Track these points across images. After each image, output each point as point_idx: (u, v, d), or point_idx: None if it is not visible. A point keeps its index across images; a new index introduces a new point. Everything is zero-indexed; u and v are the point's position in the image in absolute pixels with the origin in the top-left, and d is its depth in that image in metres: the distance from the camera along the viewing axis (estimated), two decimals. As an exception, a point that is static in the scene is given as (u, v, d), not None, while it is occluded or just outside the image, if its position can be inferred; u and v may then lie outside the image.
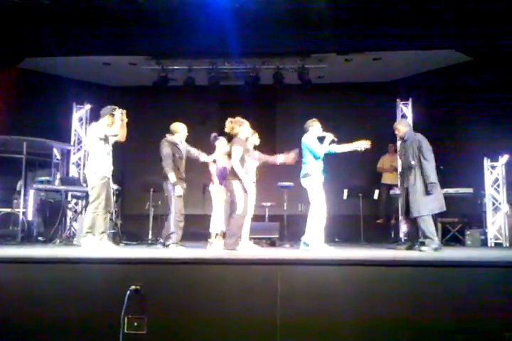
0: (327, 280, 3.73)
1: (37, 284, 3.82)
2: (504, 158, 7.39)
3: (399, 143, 8.73)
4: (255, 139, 6.32)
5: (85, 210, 6.31)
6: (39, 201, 7.88)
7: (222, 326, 3.64)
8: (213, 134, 6.46)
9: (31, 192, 7.91)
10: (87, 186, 6.18)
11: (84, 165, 5.79)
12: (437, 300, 3.60)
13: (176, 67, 8.91)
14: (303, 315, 3.63)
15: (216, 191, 6.24)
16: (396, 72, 9.39)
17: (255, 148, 6.37)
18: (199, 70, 8.93)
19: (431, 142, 5.92)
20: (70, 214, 8.15)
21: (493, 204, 7.46)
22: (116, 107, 5.84)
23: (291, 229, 7.91)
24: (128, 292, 3.61)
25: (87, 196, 6.47)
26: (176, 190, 5.92)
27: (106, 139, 5.74)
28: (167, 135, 6.18)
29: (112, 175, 5.89)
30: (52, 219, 7.43)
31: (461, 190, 7.60)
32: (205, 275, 3.82)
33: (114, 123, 5.72)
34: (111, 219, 7.14)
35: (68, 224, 7.94)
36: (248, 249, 5.80)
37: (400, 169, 8.57)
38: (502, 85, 7.86)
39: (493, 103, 8.02)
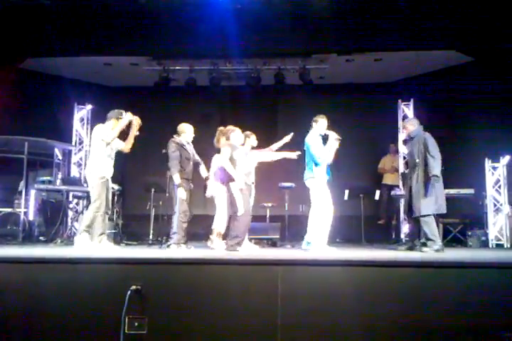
0: (328, 280, 3.73)
1: (38, 284, 3.82)
2: (505, 159, 7.39)
3: (400, 143, 8.79)
4: (253, 141, 6.31)
5: (86, 210, 6.31)
6: (40, 201, 7.89)
7: (223, 326, 3.64)
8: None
9: (32, 192, 7.92)
10: (88, 186, 6.19)
11: (85, 165, 5.81)
12: (438, 301, 3.60)
13: (177, 68, 8.92)
14: (304, 315, 3.63)
15: (217, 190, 6.24)
16: (397, 73, 9.39)
17: (252, 149, 6.37)
18: (200, 71, 8.93)
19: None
20: (71, 214, 8.15)
21: (495, 205, 7.46)
22: (123, 111, 5.83)
23: (292, 229, 7.92)
24: (129, 292, 3.61)
25: (88, 196, 6.47)
26: (178, 192, 5.92)
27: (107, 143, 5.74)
28: (174, 136, 6.18)
29: (113, 176, 5.90)
30: (54, 219, 7.43)
31: (462, 191, 7.60)
32: (206, 275, 3.82)
33: (115, 129, 5.71)
34: (112, 220, 7.16)
35: (69, 224, 7.94)
36: (248, 250, 5.80)
37: (401, 169, 8.60)
38: (503, 86, 7.86)
39: (494, 104, 8.02)
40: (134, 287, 3.64)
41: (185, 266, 3.91)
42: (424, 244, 5.57)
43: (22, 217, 7.35)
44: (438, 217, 5.94)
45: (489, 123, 7.90)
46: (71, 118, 9.07)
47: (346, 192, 8.21)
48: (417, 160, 5.70)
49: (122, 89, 10.08)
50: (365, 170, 9.57)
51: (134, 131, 5.91)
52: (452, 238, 7.66)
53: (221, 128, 5.99)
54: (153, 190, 7.96)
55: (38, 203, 7.93)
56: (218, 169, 6.21)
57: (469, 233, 7.45)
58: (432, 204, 5.56)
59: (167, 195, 6.48)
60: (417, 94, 8.86)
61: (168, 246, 5.90)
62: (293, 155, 6.24)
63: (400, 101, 8.89)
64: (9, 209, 7.63)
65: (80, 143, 9.09)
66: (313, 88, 9.05)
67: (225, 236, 5.99)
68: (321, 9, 6.85)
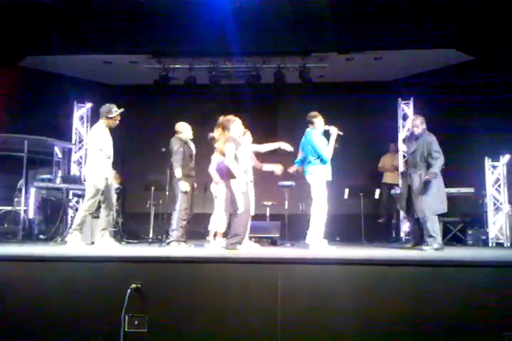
0: (328, 279, 3.73)
1: (38, 282, 3.82)
2: (505, 158, 7.39)
3: (400, 142, 8.79)
4: (248, 138, 6.27)
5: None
6: (40, 199, 7.88)
7: (223, 324, 3.64)
8: (211, 134, 6.42)
9: (32, 191, 7.91)
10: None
11: (85, 164, 5.81)
12: (437, 300, 3.60)
13: (176, 66, 8.90)
14: (304, 313, 3.63)
15: (217, 189, 6.23)
16: (397, 72, 9.38)
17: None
18: (200, 69, 8.92)
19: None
20: (71, 212, 8.15)
21: (494, 204, 7.46)
22: (112, 107, 5.76)
23: (292, 228, 7.92)
24: (129, 290, 3.62)
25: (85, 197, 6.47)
26: (180, 185, 5.92)
27: (103, 142, 5.71)
28: (176, 135, 6.21)
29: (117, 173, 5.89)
30: (54, 217, 7.43)
31: (462, 190, 7.60)
32: (206, 273, 3.82)
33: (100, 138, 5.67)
34: (112, 218, 7.16)
35: (69, 222, 7.93)
36: (248, 248, 5.80)
37: (401, 168, 8.59)
38: (504, 84, 7.86)
39: (494, 102, 8.01)
40: (134, 285, 3.65)
41: (186, 265, 3.91)
42: (425, 243, 5.59)
43: (22, 215, 7.34)
44: (438, 215, 5.95)
45: (489, 122, 7.89)
46: (71, 116, 9.07)
47: (346, 190, 8.21)
48: (419, 162, 5.73)
49: (122, 88, 10.07)
50: (365, 168, 9.57)
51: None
52: (452, 237, 7.66)
53: (221, 117, 5.82)
54: (153, 188, 7.97)
55: (37, 201, 7.92)
56: (218, 165, 6.19)
57: (469, 232, 7.46)
58: (436, 204, 5.60)
59: (167, 193, 6.48)
60: (416, 92, 8.86)
61: (168, 243, 5.91)
62: (288, 146, 6.08)
63: (399, 99, 8.89)
64: (9, 208, 7.63)
65: (80, 142, 9.09)
66: (312, 87, 9.04)
67: (225, 235, 5.99)
68: (321, 8, 6.84)
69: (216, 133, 5.62)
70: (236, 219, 5.20)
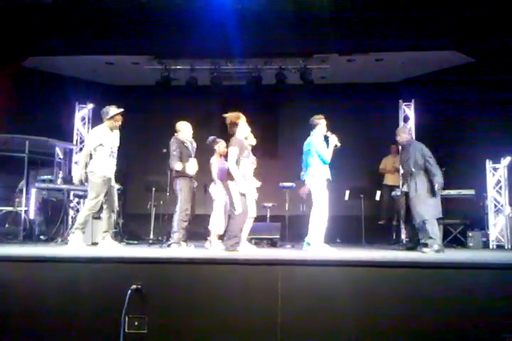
0: (328, 280, 3.73)
1: (38, 283, 3.82)
2: (506, 160, 7.39)
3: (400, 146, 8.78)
4: (251, 140, 6.26)
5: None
6: (41, 200, 7.88)
7: (223, 326, 3.64)
8: (211, 137, 6.45)
9: (33, 191, 7.92)
10: (85, 184, 6.19)
11: (86, 164, 5.82)
12: (437, 302, 3.60)
13: (178, 67, 8.91)
14: (304, 315, 3.63)
15: (216, 191, 6.24)
16: (399, 73, 9.38)
17: (253, 148, 6.34)
18: (201, 70, 8.93)
19: (433, 143, 5.94)
20: (71, 213, 8.15)
21: (495, 206, 7.46)
22: (111, 108, 5.76)
23: (292, 229, 7.92)
24: (129, 291, 3.62)
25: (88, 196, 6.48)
26: (175, 184, 5.90)
27: (106, 143, 5.73)
28: (175, 134, 6.22)
29: (114, 175, 5.90)
30: (54, 218, 7.44)
31: (463, 192, 7.60)
32: (206, 275, 3.82)
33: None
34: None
35: (70, 223, 7.94)
36: (246, 250, 5.80)
37: (402, 171, 8.59)
38: (505, 86, 7.86)
39: (495, 104, 8.02)
40: (134, 286, 3.65)
41: (186, 266, 3.91)
42: (425, 245, 5.60)
43: (23, 215, 7.35)
44: (438, 218, 5.98)
45: (490, 124, 7.89)
46: (72, 117, 9.08)
47: (347, 192, 8.21)
48: (413, 170, 5.83)
49: (123, 88, 10.08)
50: (365, 170, 9.56)
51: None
52: (453, 239, 7.66)
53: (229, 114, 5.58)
54: (153, 189, 7.97)
55: (38, 202, 7.93)
56: (220, 168, 6.21)
57: (470, 234, 7.44)
58: (431, 209, 5.71)
59: (168, 194, 6.48)
60: (418, 94, 8.86)
61: (169, 245, 5.91)
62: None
63: (400, 101, 8.89)
64: (10, 208, 7.64)
65: (81, 142, 9.09)
66: (314, 88, 9.04)
67: (221, 237, 5.99)
68: (322, 9, 6.83)
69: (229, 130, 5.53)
70: (232, 221, 5.18)
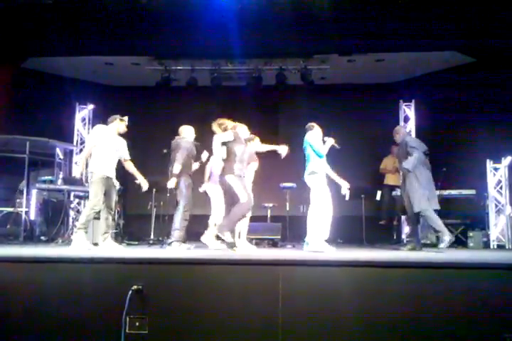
0: (329, 281, 3.73)
1: (39, 284, 3.82)
2: (507, 160, 7.39)
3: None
4: (257, 144, 6.22)
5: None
6: (42, 200, 7.89)
7: (223, 326, 3.64)
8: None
9: (34, 192, 7.93)
10: (87, 183, 6.21)
11: (86, 165, 5.83)
12: (438, 302, 3.59)
13: (178, 68, 8.92)
14: (305, 315, 3.62)
15: (211, 188, 6.25)
16: (399, 74, 9.38)
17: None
18: (202, 71, 8.94)
19: (433, 143, 5.95)
20: (72, 213, 8.16)
21: (496, 206, 7.46)
22: (117, 117, 5.85)
23: (293, 229, 7.91)
24: (130, 292, 3.61)
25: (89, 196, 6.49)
26: (168, 183, 5.97)
27: (108, 142, 5.74)
28: (177, 137, 6.26)
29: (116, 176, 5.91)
30: (55, 218, 7.44)
31: (464, 192, 7.60)
32: (207, 275, 3.81)
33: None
34: (113, 219, 7.16)
35: (70, 223, 7.95)
36: (246, 249, 5.80)
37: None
38: (505, 87, 7.85)
39: (496, 104, 8.01)
40: (135, 287, 3.64)
41: (187, 266, 3.91)
42: (433, 245, 5.69)
43: (23, 216, 7.35)
44: (439, 217, 5.99)
45: (491, 124, 7.89)
46: (72, 117, 9.09)
47: (347, 192, 8.20)
48: (403, 160, 5.92)
49: (124, 89, 10.09)
50: (366, 170, 9.56)
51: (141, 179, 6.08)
52: (453, 239, 7.65)
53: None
54: (154, 189, 7.96)
55: (39, 203, 7.94)
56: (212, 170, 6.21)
57: (471, 234, 7.44)
58: (425, 199, 5.77)
59: (168, 194, 6.48)
60: (418, 94, 8.87)
61: (170, 243, 5.90)
62: (283, 150, 5.88)
63: (401, 101, 8.90)
64: (10, 209, 7.64)
65: (82, 143, 9.10)
66: (314, 88, 9.05)
67: (219, 237, 5.99)
68: (323, 9, 6.84)
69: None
70: (235, 208, 5.16)
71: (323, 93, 9.46)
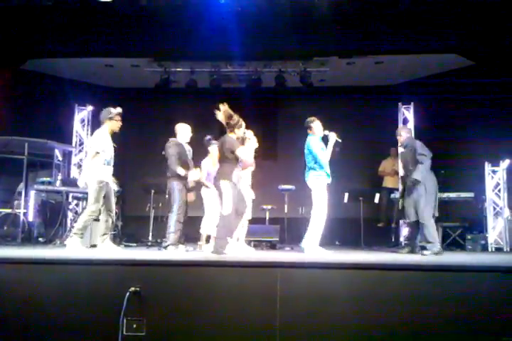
0: (327, 283, 3.73)
1: (36, 285, 3.81)
2: (505, 163, 7.39)
3: (400, 148, 8.78)
4: (254, 143, 6.23)
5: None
6: (40, 202, 7.87)
7: (221, 328, 3.63)
8: (207, 137, 6.38)
9: (32, 193, 7.91)
10: (87, 188, 6.18)
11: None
12: (436, 304, 3.59)
13: (178, 70, 8.93)
14: (302, 317, 3.62)
15: (208, 194, 6.21)
16: (398, 76, 9.39)
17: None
18: (201, 73, 8.94)
19: (432, 146, 5.94)
20: (70, 215, 8.14)
21: (494, 208, 7.46)
22: (111, 109, 5.78)
23: (291, 232, 7.91)
24: (127, 294, 3.61)
25: (87, 197, 6.48)
26: (178, 170, 5.89)
27: (107, 148, 5.71)
28: (170, 139, 6.21)
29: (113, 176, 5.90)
30: (53, 220, 7.42)
31: (462, 195, 7.60)
32: (205, 277, 3.81)
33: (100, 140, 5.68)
34: (112, 221, 7.16)
35: (69, 225, 7.92)
36: (245, 252, 5.78)
37: (402, 173, 8.60)
38: (504, 89, 7.87)
39: (494, 107, 8.03)
40: (132, 289, 3.64)
41: (184, 268, 3.91)
42: (424, 248, 5.62)
43: (21, 217, 7.34)
44: (437, 220, 6.00)
45: (489, 127, 7.90)
46: (71, 119, 9.07)
47: (346, 194, 8.20)
48: (411, 169, 5.87)
49: (123, 91, 10.08)
50: (365, 173, 9.57)
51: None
52: (451, 241, 7.65)
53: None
54: (152, 191, 7.96)
55: (37, 204, 7.92)
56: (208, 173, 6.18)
57: (469, 237, 7.44)
58: (430, 208, 5.74)
59: (167, 196, 6.47)
60: (417, 97, 8.87)
61: (165, 247, 5.87)
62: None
63: (400, 104, 8.89)
64: (9, 210, 7.62)
65: (80, 145, 9.09)
66: (313, 91, 9.06)
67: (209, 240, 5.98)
68: (322, 12, 6.86)
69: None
70: (219, 221, 5.03)
71: (322, 95, 9.48)
